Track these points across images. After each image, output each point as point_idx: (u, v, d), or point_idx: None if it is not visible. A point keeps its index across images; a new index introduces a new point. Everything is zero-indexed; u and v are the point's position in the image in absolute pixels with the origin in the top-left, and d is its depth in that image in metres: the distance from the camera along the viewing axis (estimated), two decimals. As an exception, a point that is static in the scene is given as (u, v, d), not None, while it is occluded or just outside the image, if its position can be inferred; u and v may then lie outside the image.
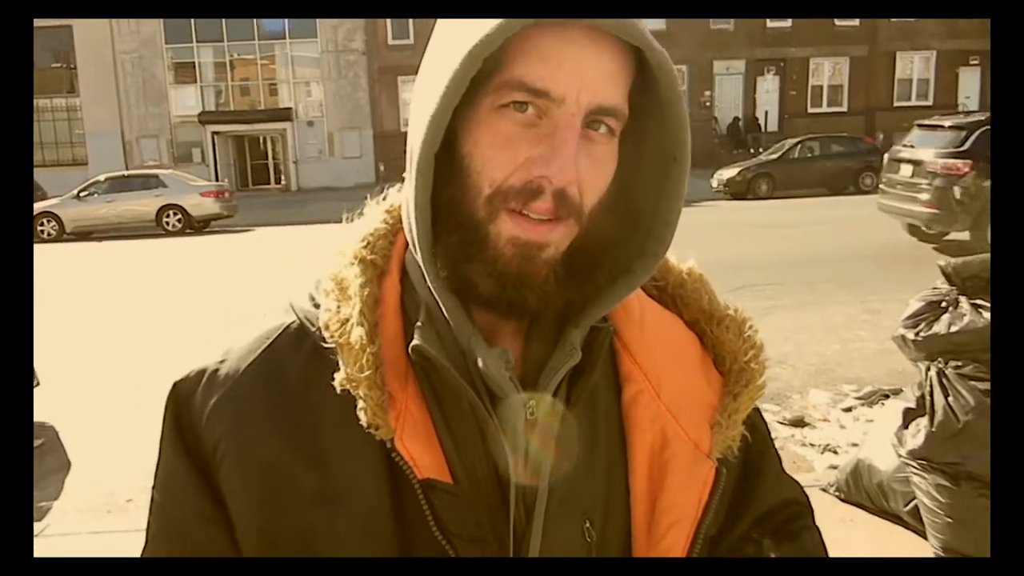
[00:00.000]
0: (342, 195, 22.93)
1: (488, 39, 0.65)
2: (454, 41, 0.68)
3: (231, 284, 10.43)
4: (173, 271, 9.58)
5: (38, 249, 15.59)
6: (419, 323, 0.74)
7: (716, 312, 0.87)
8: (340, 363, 0.72)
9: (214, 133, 31.49)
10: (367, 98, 31.12)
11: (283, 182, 32.90)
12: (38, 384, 5.25)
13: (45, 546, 3.75)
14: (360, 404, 0.70)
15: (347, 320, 0.74)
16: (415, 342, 0.72)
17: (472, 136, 0.69)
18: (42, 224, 19.08)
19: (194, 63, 31.63)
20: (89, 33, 29.98)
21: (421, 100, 0.72)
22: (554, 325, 0.78)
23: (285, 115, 31.67)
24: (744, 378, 0.83)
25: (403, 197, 0.78)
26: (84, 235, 18.96)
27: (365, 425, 0.71)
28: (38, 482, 4.52)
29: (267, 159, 34.39)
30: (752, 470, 0.87)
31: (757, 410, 0.87)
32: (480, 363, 0.73)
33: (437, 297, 0.74)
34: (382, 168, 30.26)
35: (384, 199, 0.85)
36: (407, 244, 0.80)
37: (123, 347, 7.80)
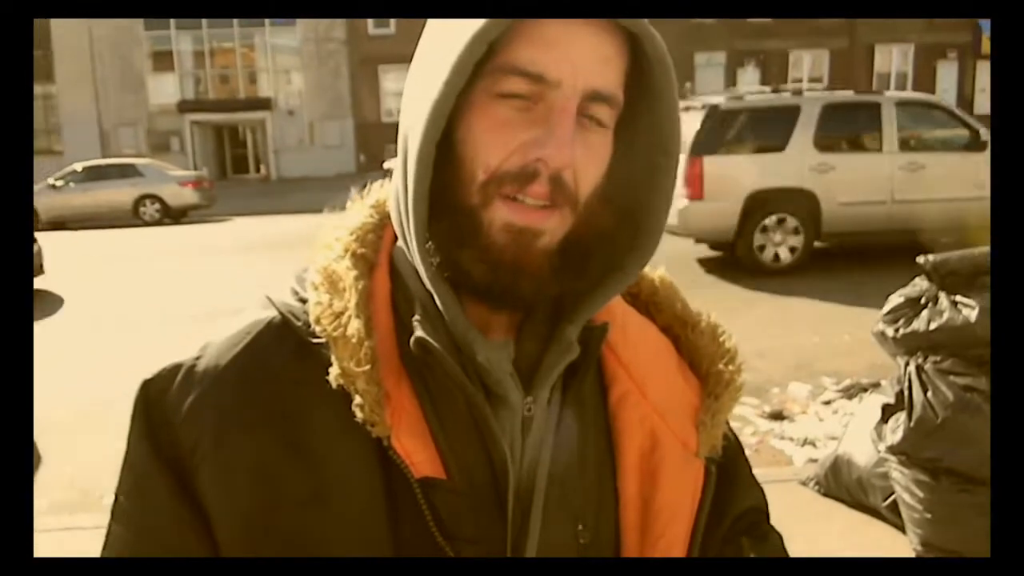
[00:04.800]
0: (322, 185, 22.80)
1: (494, 22, 0.65)
2: (455, 27, 0.68)
3: (208, 275, 10.32)
4: (150, 261, 9.49)
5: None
6: (417, 317, 0.72)
7: (690, 318, 0.87)
8: (333, 358, 0.70)
9: (193, 122, 31.19)
10: (348, 87, 30.94)
11: (263, 171, 32.68)
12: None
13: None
14: (357, 400, 0.68)
15: (341, 313, 0.71)
16: (417, 334, 0.70)
17: (465, 121, 0.68)
18: (16, 213, 18.72)
19: (172, 51, 31.28)
20: (66, 19, 29.53)
21: (420, 87, 0.71)
22: (545, 322, 0.77)
23: (265, 104, 31.43)
24: (723, 380, 0.83)
25: (394, 187, 0.77)
26: (59, 225, 18.71)
27: (361, 421, 0.68)
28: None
29: (246, 148, 34.15)
30: (729, 475, 0.87)
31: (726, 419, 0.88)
32: (481, 356, 0.71)
33: (431, 288, 0.72)
34: (362, 158, 30.09)
35: (368, 194, 0.83)
36: (395, 239, 0.79)
37: (97, 340, 7.70)
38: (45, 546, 3.65)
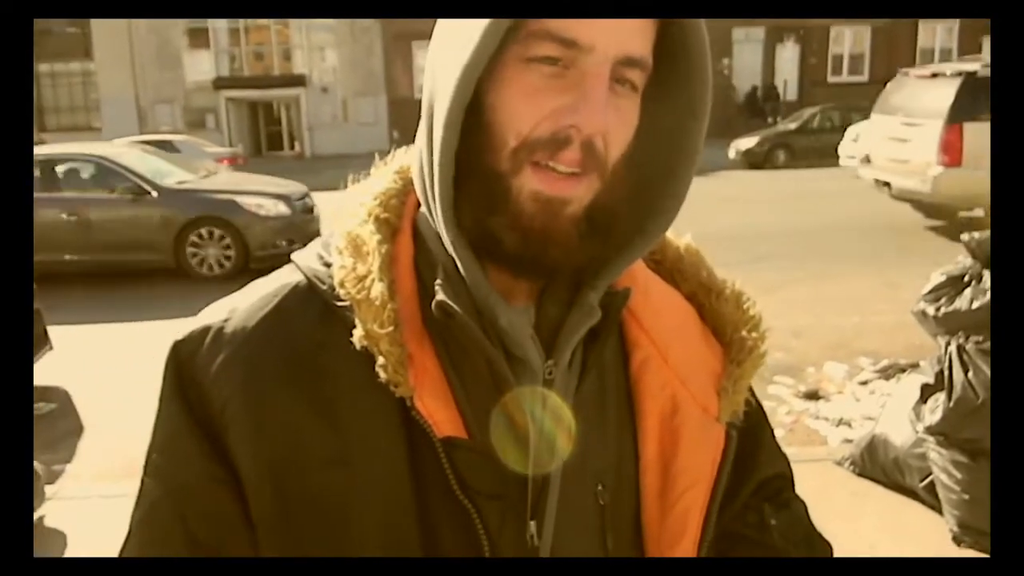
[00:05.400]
0: (356, 161, 22.80)
1: None
2: None
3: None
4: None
5: (53, 214, 15.58)
6: (439, 281, 0.72)
7: (714, 285, 0.87)
8: (357, 320, 0.71)
9: (228, 99, 31.40)
10: (381, 64, 30.92)
11: (297, 148, 32.82)
12: (51, 348, 5.28)
13: (57, 509, 3.78)
14: (380, 361, 0.69)
15: (365, 276, 0.72)
16: (438, 298, 0.71)
17: (496, 87, 0.68)
18: (57, 189, 19.09)
19: (208, 28, 31.48)
20: (103, -3, 29.80)
21: (447, 51, 0.70)
22: (567, 287, 0.77)
23: (299, 81, 31.51)
24: (747, 347, 0.83)
25: (417, 152, 0.76)
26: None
27: (385, 382, 0.70)
28: (51, 446, 4.55)
29: (281, 125, 34.28)
30: (751, 441, 0.87)
31: (750, 386, 0.87)
32: (503, 320, 0.72)
33: (453, 253, 0.72)
34: (396, 134, 30.08)
35: (392, 160, 0.83)
36: (418, 204, 0.79)
37: (136, 310, 7.82)
38: (85, 512, 3.74)
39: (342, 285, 0.73)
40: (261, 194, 9.57)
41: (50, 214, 8.79)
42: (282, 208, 9.36)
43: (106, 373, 5.85)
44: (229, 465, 0.73)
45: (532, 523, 0.73)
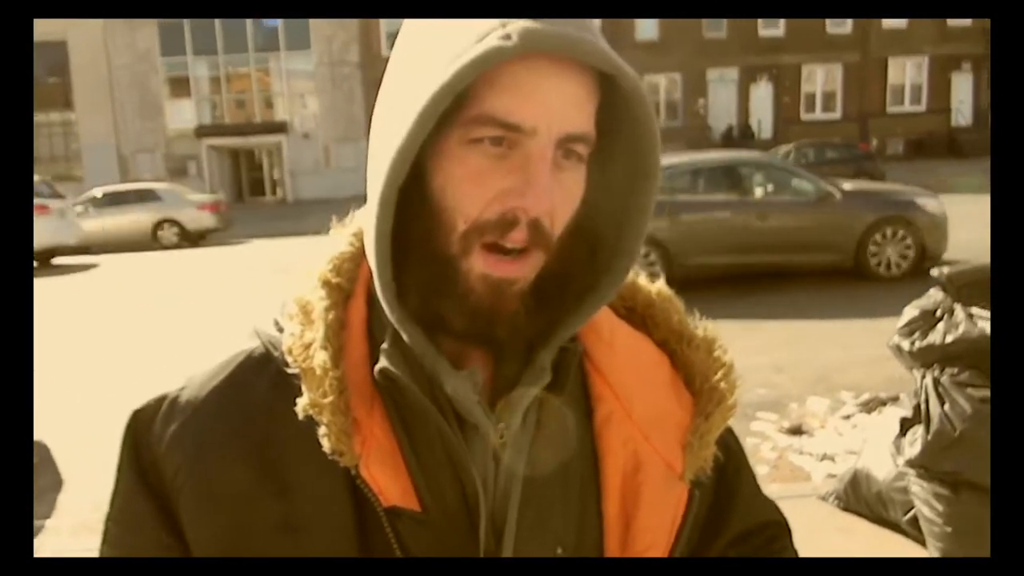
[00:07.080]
0: (338, 207, 22.86)
1: (460, 75, 0.63)
2: (424, 65, 0.67)
3: (226, 298, 10.40)
4: (169, 285, 9.60)
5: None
6: (385, 346, 0.72)
7: (686, 332, 0.85)
8: (303, 388, 0.71)
9: (210, 146, 31.52)
10: (362, 110, 31.18)
11: (279, 194, 32.94)
12: None
13: (39, 566, 3.71)
14: (322, 430, 0.69)
15: (311, 344, 0.72)
16: (381, 364, 0.71)
17: (442, 170, 0.68)
18: (38, 239, 19.01)
19: (189, 76, 31.70)
20: (84, 47, 30.04)
21: (386, 127, 0.70)
22: (523, 346, 0.76)
23: (280, 127, 31.75)
24: (715, 398, 0.81)
25: (364, 225, 0.77)
26: (81, 250, 18.91)
27: (328, 451, 0.69)
28: (32, 501, 4.48)
29: (263, 171, 34.40)
30: (726, 491, 0.86)
31: (730, 430, 0.86)
32: (447, 387, 0.71)
33: (398, 326, 0.72)
34: (378, 179, 30.21)
35: (351, 222, 0.83)
36: None
37: (117, 363, 7.77)
38: (68, 568, 3.68)
39: (290, 352, 0.73)
40: (927, 195, 9.75)
41: (741, 219, 9.39)
42: (940, 207, 9.47)
43: (86, 424, 5.79)
44: (180, 534, 0.74)
45: None
